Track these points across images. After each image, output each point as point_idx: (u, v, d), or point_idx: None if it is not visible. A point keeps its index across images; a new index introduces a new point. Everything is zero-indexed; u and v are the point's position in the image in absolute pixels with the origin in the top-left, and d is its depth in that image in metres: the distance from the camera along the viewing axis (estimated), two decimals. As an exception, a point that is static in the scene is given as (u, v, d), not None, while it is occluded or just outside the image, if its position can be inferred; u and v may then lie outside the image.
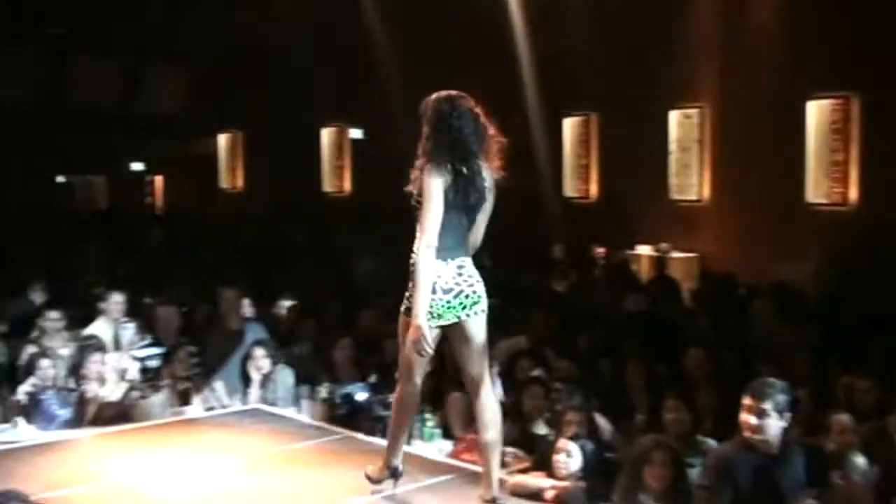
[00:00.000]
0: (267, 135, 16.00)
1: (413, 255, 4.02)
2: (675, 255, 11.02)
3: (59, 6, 14.60)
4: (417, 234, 4.05)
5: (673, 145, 11.30)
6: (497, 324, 7.59)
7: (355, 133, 15.30)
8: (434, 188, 4.02)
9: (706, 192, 11.13)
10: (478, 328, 4.20)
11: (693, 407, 5.30)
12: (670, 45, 11.21)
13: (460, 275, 4.11)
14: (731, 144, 10.85)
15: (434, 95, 4.21)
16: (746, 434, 4.27)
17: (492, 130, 4.20)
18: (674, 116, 11.29)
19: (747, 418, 4.24)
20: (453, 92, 4.21)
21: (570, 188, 12.51)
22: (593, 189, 12.38)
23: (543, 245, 11.60)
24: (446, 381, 6.22)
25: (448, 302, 4.08)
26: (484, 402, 4.27)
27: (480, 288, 4.18)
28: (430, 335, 4.00)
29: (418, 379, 4.34)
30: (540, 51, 12.16)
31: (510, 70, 12.32)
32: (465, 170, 4.09)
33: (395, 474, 4.57)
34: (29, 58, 15.01)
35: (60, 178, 18.29)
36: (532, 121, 12.37)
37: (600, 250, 11.42)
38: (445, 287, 4.07)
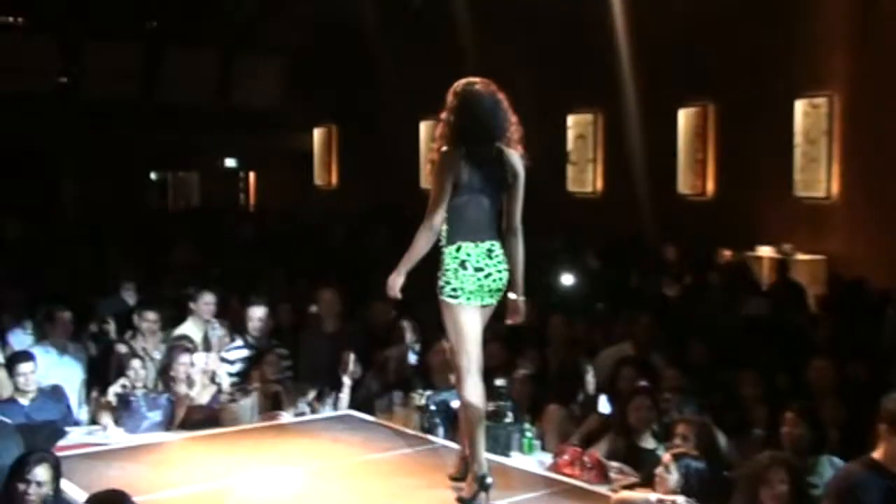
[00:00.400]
0: (362, 128, 16.20)
1: (447, 243, 4.50)
2: (800, 256, 10.73)
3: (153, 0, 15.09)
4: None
5: (798, 137, 11.01)
6: (602, 328, 7.69)
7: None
8: (442, 171, 4.41)
9: (835, 188, 10.80)
10: (490, 314, 4.65)
11: (816, 422, 5.14)
12: (793, 28, 10.94)
13: (489, 258, 4.50)
14: (863, 136, 10.51)
15: (457, 82, 4.55)
16: (877, 455, 4.11)
17: (513, 117, 4.54)
18: (799, 106, 10.99)
19: (883, 437, 4.08)
20: (475, 79, 4.57)
21: (684, 184, 12.30)
22: (710, 185, 12.15)
23: (655, 245, 11.46)
24: (545, 392, 6.22)
25: (479, 280, 4.48)
26: (479, 382, 4.62)
27: (506, 276, 4.54)
28: (399, 284, 4.55)
29: (476, 374, 4.56)
30: (653, 37, 12.02)
31: (620, 57, 12.24)
32: (482, 153, 4.43)
33: (483, 486, 4.54)
34: (124, 53, 15.51)
35: (153, 175, 18.86)
36: (643, 112, 12.24)
37: (725, 252, 11.16)
38: (476, 265, 4.47)
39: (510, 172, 4.51)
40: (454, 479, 4.83)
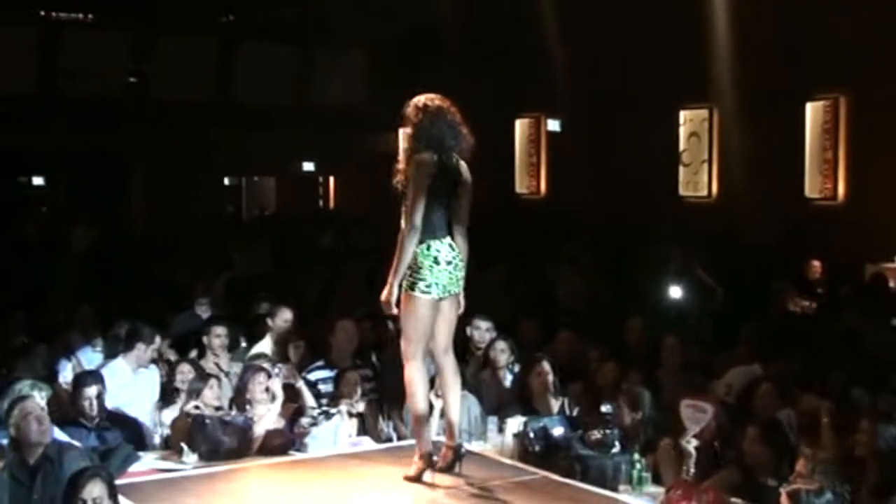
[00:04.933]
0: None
1: (400, 234, 5.37)
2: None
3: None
4: (402, 218, 5.37)
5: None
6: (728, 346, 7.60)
7: (553, 125, 15.30)
8: (421, 177, 5.31)
9: None
10: (454, 305, 5.54)
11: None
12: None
13: (452, 249, 5.43)
14: None
15: (417, 98, 5.51)
16: None
17: (465, 129, 5.50)
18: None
19: None
20: (434, 95, 5.54)
21: (811, 187, 12.07)
22: (841, 188, 11.90)
23: (776, 257, 11.28)
24: (655, 429, 6.16)
25: (450, 273, 5.41)
26: (450, 366, 5.66)
27: (464, 265, 5.49)
28: (394, 299, 5.37)
29: (420, 360, 5.51)
30: (774, 26, 11.86)
31: (737, 52, 12.10)
32: (445, 162, 5.39)
33: (430, 462, 5.48)
34: (196, 49, 15.84)
35: (227, 181, 19.22)
36: (766, 107, 12.06)
37: (887, 267, 10.80)
38: (447, 259, 5.39)
39: (463, 181, 5.48)
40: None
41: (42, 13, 15.25)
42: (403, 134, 5.60)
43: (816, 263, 10.87)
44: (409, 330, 5.46)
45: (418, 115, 5.47)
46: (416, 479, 5.47)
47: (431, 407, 6.22)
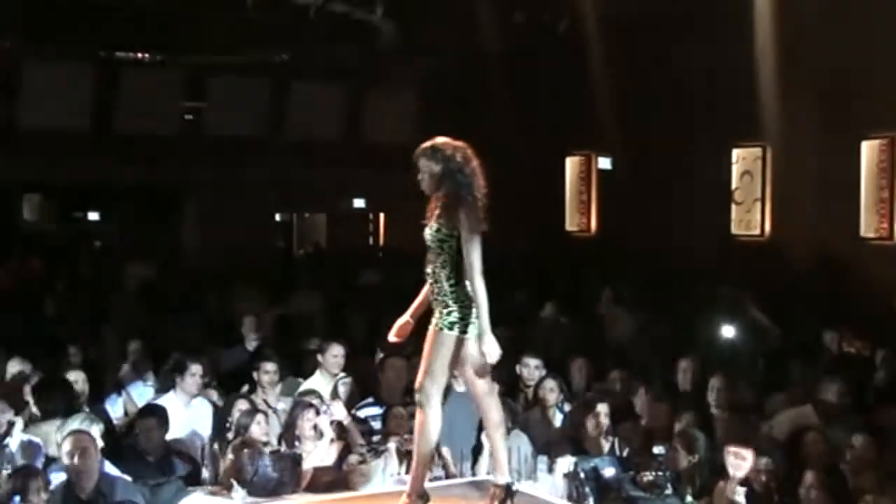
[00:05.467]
0: (501, 165, 16.30)
1: (463, 283, 5.17)
2: None
3: (281, 32, 15.56)
4: (467, 265, 5.13)
5: None
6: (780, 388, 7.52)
7: (604, 163, 15.30)
8: (477, 222, 5.17)
9: None
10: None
11: None
12: None
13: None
14: None
15: (446, 140, 5.41)
16: None
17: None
18: None
19: None
20: (459, 142, 5.43)
21: (866, 227, 11.91)
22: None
23: (831, 296, 11.15)
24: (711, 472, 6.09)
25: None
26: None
27: None
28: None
29: (439, 398, 5.32)
30: (829, 63, 11.79)
31: (791, 89, 12.04)
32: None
33: (425, 499, 5.37)
34: (249, 87, 16.06)
35: (278, 217, 19.38)
36: (821, 146, 11.97)
37: None
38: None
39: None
40: None
41: (101, 52, 15.52)
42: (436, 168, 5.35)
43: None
44: (438, 369, 5.29)
45: (456, 155, 5.37)
46: None
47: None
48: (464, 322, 5.22)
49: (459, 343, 5.23)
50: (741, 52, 12.50)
